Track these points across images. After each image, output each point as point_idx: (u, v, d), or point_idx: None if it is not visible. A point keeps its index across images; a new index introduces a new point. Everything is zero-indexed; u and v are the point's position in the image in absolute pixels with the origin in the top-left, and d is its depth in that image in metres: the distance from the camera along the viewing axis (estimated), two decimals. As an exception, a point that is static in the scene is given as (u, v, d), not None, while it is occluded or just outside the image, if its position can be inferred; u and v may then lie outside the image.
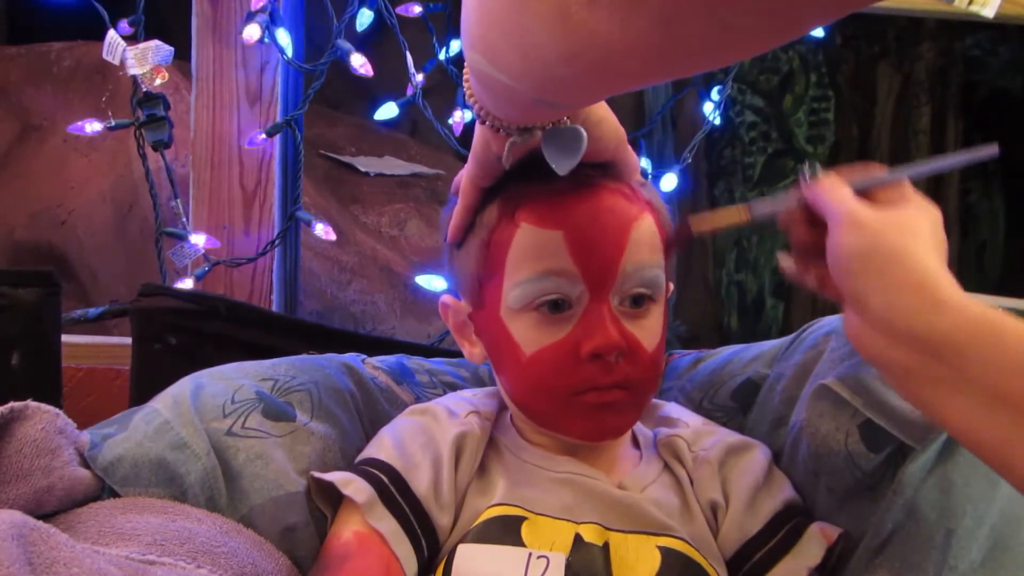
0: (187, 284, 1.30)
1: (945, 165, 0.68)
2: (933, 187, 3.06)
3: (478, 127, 0.69)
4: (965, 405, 0.54)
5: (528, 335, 0.73)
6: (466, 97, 0.64)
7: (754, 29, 0.37)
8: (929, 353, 0.56)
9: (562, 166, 0.65)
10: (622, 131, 0.73)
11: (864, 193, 0.65)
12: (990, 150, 0.67)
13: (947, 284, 0.58)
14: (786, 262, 0.71)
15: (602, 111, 0.70)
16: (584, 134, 0.65)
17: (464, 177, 0.75)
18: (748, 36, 0.38)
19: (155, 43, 1.26)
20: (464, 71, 0.63)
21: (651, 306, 0.74)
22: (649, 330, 0.74)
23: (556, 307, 0.72)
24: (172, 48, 1.28)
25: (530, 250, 0.72)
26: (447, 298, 0.82)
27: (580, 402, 0.72)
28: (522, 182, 0.73)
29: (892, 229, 0.61)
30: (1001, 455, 0.53)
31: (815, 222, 0.66)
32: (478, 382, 0.95)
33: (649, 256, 0.73)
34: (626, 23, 0.38)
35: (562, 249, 0.71)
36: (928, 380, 0.56)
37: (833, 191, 0.65)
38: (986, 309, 0.55)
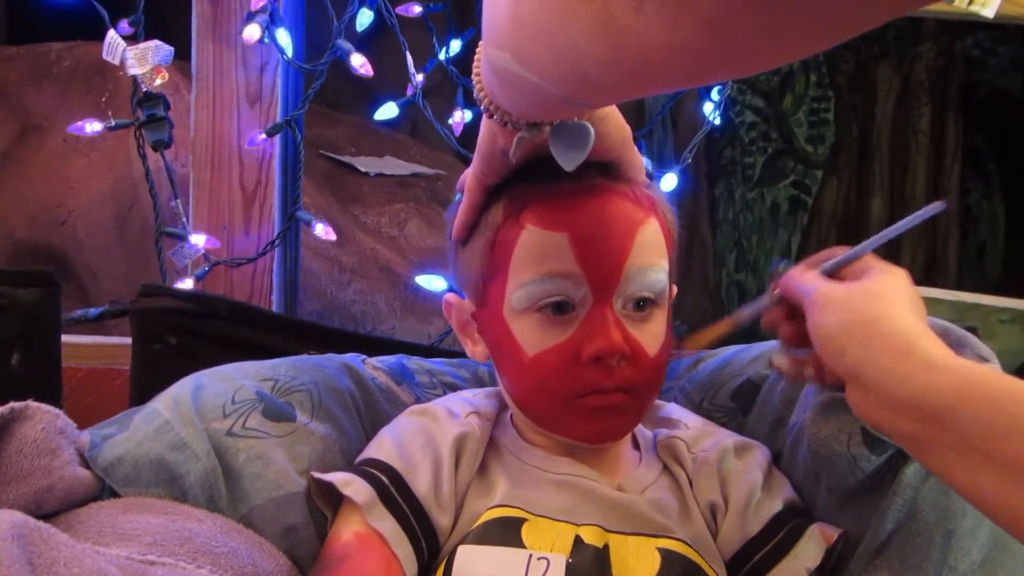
0: (187, 284, 1.30)
1: (899, 228, 0.69)
2: (932, 187, 3.06)
3: (485, 122, 0.68)
4: (972, 469, 0.53)
5: (530, 336, 0.73)
6: (475, 91, 0.64)
7: (800, 33, 0.37)
8: (929, 419, 0.55)
9: (569, 161, 0.65)
10: (628, 129, 0.73)
11: (833, 275, 0.68)
12: (939, 206, 0.69)
13: (932, 344, 0.58)
14: (779, 360, 0.73)
15: (608, 107, 0.69)
16: (591, 130, 0.65)
17: (469, 175, 0.75)
18: (794, 40, 0.38)
19: (155, 43, 1.26)
20: (475, 65, 0.63)
21: (654, 310, 0.74)
22: (652, 334, 0.74)
23: (559, 309, 0.72)
24: (172, 48, 1.27)
25: (535, 251, 0.72)
26: (451, 296, 0.82)
27: (581, 405, 0.72)
28: (528, 183, 0.73)
29: (865, 299, 0.61)
30: (1011, 518, 0.52)
31: (796, 315, 0.68)
32: (478, 382, 0.95)
33: (653, 260, 0.73)
34: (673, 27, 0.38)
35: (567, 251, 0.71)
36: (936, 447, 0.56)
37: (801, 277, 0.67)
38: (975, 367, 0.55)
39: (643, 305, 0.73)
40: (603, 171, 0.73)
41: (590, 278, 0.71)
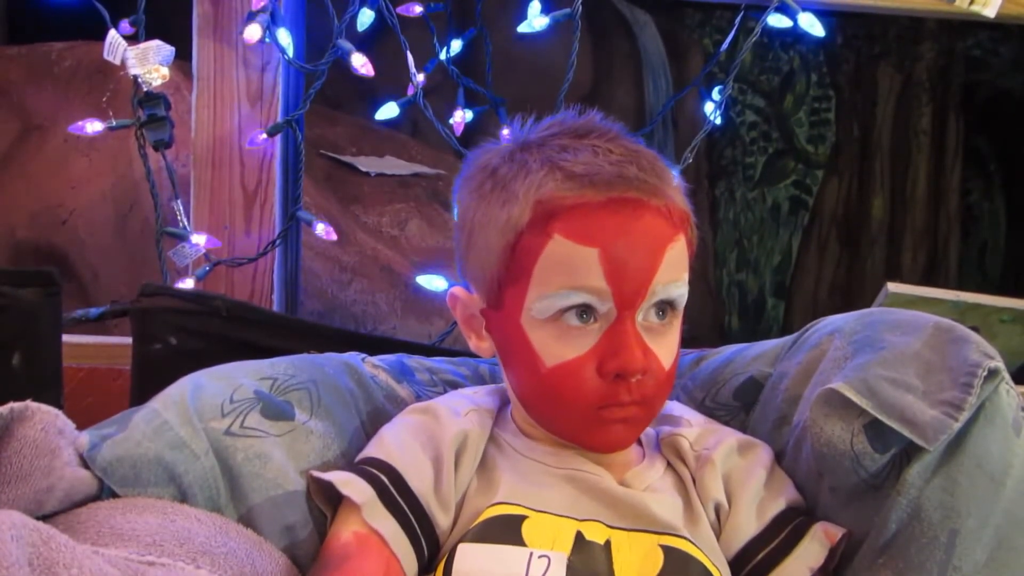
0: (188, 284, 1.30)
1: None
2: (933, 187, 3.06)
3: None
4: None
5: (549, 347, 0.72)
6: None
7: None
8: None
9: None
10: None
11: None
12: None
13: None
14: None
15: None
16: None
17: None
18: None
19: (156, 43, 1.26)
20: None
21: (673, 319, 0.75)
22: (668, 347, 0.74)
23: (581, 318, 0.72)
24: (173, 48, 1.27)
25: (562, 264, 0.71)
26: (458, 290, 0.81)
27: (597, 416, 0.73)
28: (558, 187, 0.71)
29: None
30: None
31: None
32: (479, 380, 0.95)
33: (678, 275, 0.74)
34: None
35: (596, 267, 0.70)
36: None
37: None
38: None
39: (663, 313, 0.74)
40: (638, 185, 0.72)
41: (616, 294, 0.71)
